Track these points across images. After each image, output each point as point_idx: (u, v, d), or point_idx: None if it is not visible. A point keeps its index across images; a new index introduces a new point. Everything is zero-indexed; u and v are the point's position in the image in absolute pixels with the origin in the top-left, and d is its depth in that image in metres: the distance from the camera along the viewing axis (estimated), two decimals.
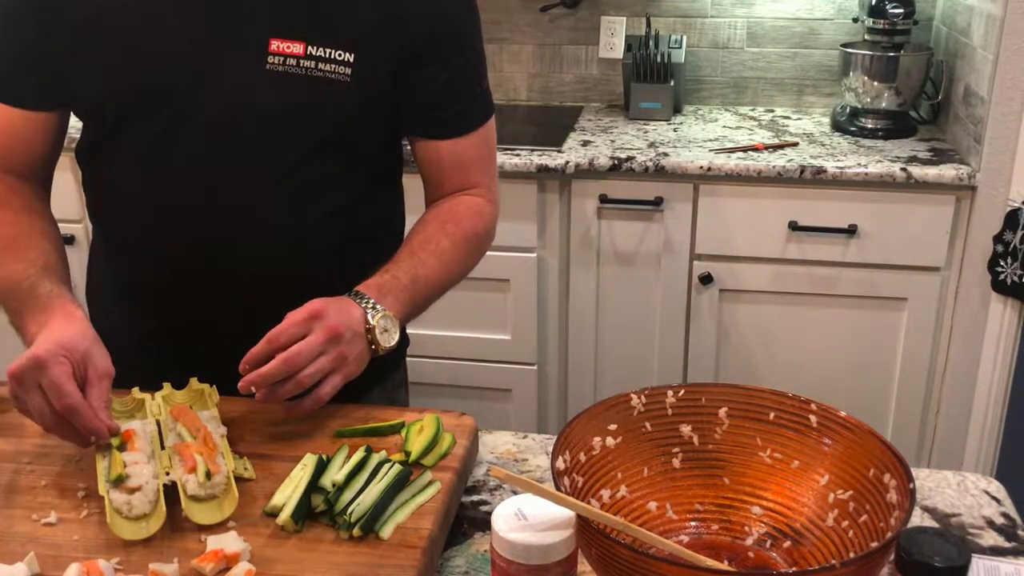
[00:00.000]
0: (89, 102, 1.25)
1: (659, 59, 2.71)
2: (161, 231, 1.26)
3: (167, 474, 1.03)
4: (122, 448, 1.06)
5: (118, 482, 1.00)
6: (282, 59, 1.19)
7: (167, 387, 1.19)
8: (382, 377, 1.42)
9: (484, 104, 1.35)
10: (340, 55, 1.19)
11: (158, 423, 1.12)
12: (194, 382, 1.19)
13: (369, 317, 1.16)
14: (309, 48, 1.19)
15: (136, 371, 1.24)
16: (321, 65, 1.19)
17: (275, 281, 1.25)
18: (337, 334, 1.11)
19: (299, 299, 1.14)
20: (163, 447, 1.08)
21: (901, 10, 2.50)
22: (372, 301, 1.18)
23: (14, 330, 1.16)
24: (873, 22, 2.53)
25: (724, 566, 0.94)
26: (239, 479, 1.05)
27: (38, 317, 1.12)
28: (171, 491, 1.01)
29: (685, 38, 2.78)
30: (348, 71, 1.20)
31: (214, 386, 1.18)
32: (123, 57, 1.20)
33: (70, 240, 2.54)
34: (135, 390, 1.18)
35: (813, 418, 0.99)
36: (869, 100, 2.56)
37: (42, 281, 1.16)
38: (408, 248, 1.27)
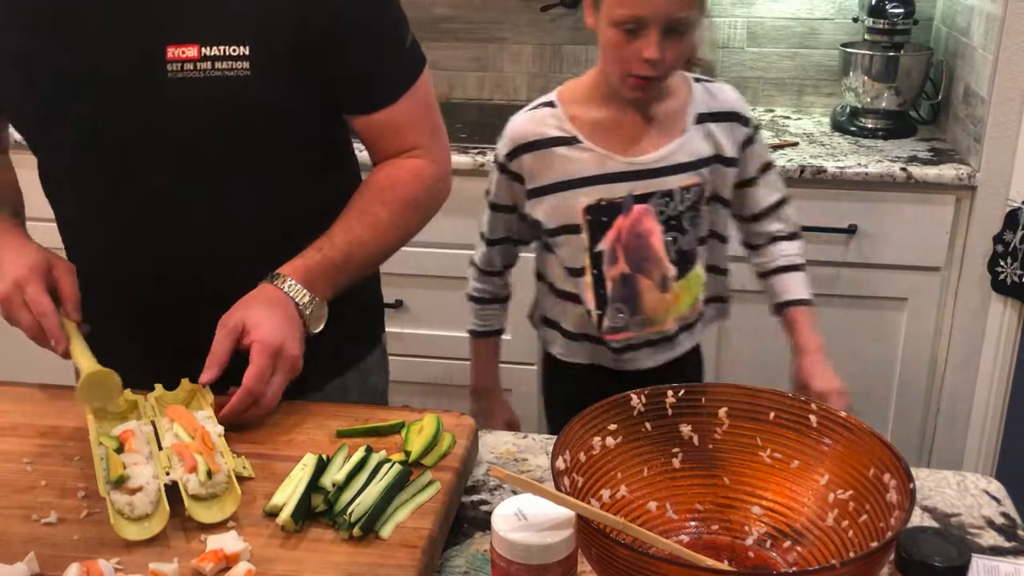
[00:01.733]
0: (15, 126, 1.33)
1: None
2: (99, 245, 1.30)
3: (167, 474, 1.03)
4: (120, 450, 1.06)
5: (119, 483, 1.00)
6: (179, 65, 1.18)
7: (159, 388, 1.19)
8: (357, 360, 1.44)
9: (408, 65, 1.30)
10: (235, 50, 1.18)
11: (153, 424, 1.12)
12: (186, 383, 1.19)
13: (302, 308, 1.20)
14: (203, 49, 1.18)
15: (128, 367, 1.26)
16: (217, 64, 1.18)
17: (228, 280, 1.24)
18: (279, 353, 1.16)
19: (250, 284, 1.21)
20: (160, 448, 1.08)
21: (901, 10, 2.50)
22: (304, 291, 1.20)
23: None
24: (873, 22, 2.53)
25: (724, 566, 0.94)
26: (238, 478, 1.05)
27: None
28: (172, 491, 1.01)
29: None
30: (246, 64, 1.18)
31: (207, 386, 1.18)
32: (28, 93, 1.24)
33: None
34: (127, 392, 1.18)
35: (813, 418, 0.99)
36: (869, 100, 2.56)
37: None
38: (344, 221, 1.27)
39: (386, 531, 0.98)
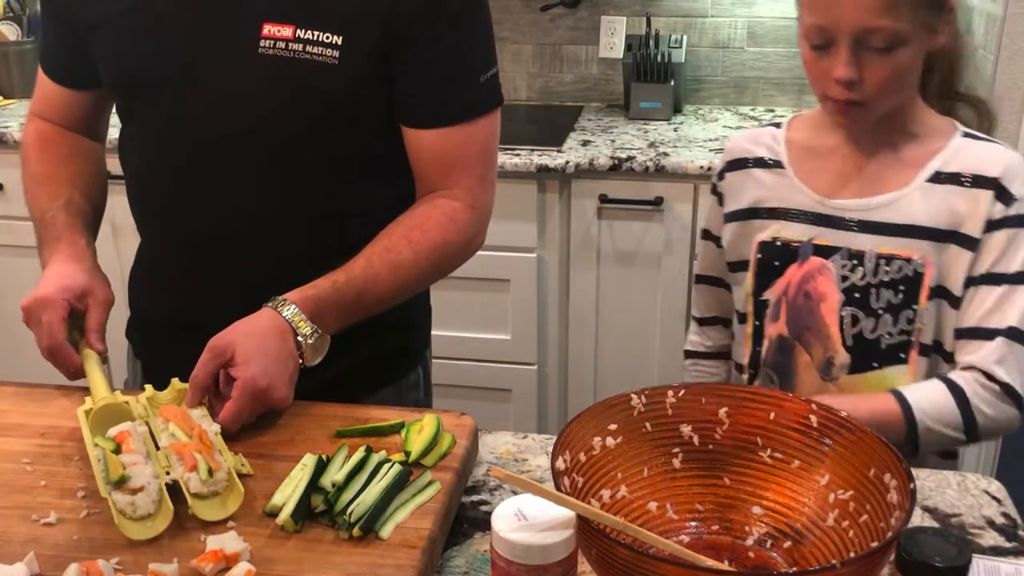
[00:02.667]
0: (105, 90, 1.37)
1: (659, 59, 2.71)
2: (165, 215, 1.33)
3: (168, 473, 1.03)
4: (117, 451, 1.05)
5: (120, 484, 1.00)
6: (272, 42, 1.20)
7: (149, 388, 1.19)
8: (397, 377, 1.44)
9: (478, 98, 1.27)
10: (328, 37, 1.20)
11: (147, 424, 1.12)
12: (176, 382, 1.19)
13: (301, 340, 1.17)
14: (298, 31, 1.20)
15: (163, 349, 1.34)
16: (309, 48, 1.20)
17: (273, 261, 1.28)
18: (263, 397, 1.14)
19: (300, 279, 1.21)
20: (157, 448, 1.08)
21: None
22: (307, 323, 1.18)
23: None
24: None
25: (724, 566, 0.94)
26: (237, 475, 1.05)
27: (51, 244, 1.30)
28: (174, 491, 1.01)
29: (685, 38, 2.78)
30: (336, 53, 1.20)
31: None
32: (126, 49, 1.27)
33: None
34: (117, 393, 1.18)
35: (813, 418, 0.99)
36: None
37: (60, 214, 1.32)
38: (367, 256, 1.24)
39: (386, 531, 0.98)
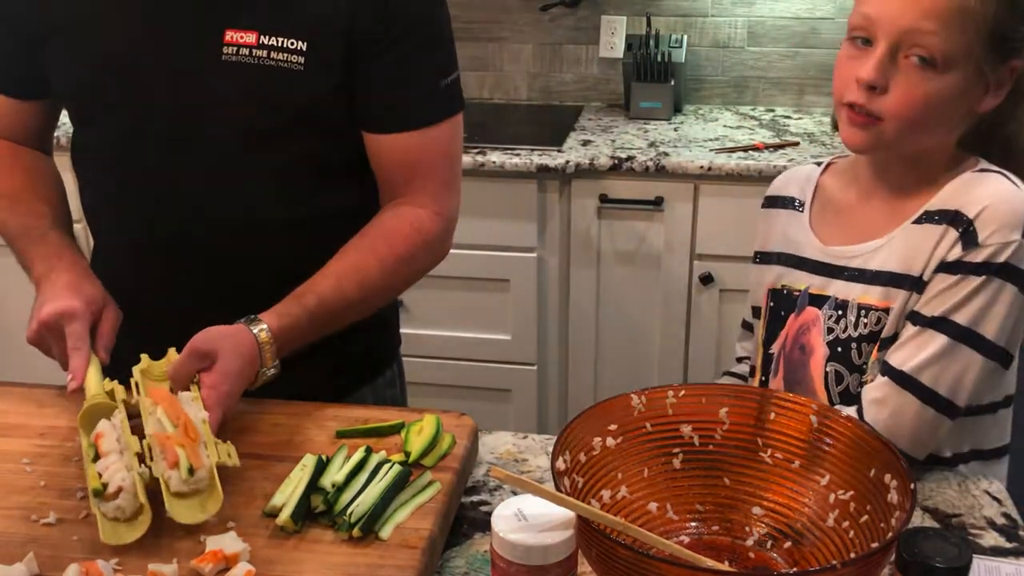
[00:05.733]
0: (61, 98, 1.34)
1: (659, 58, 2.71)
2: (126, 220, 1.31)
3: (141, 464, 1.01)
4: (98, 458, 1.04)
5: (98, 494, 0.99)
6: (235, 49, 1.20)
7: (145, 359, 1.17)
8: (373, 376, 1.43)
9: (441, 102, 1.26)
10: (292, 44, 1.19)
11: (125, 407, 1.10)
12: (172, 353, 1.17)
13: (261, 372, 1.16)
14: (261, 37, 1.19)
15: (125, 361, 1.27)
16: (273, 54, 1.19)
17: (236, 267, 1.27)
18: (228, 415, 1.13)
19: (263, 285, 1.21)
20: (143, 436, 1.05)
21: None
22: (272, 356, 1.16)
23: (22, 268, 1.31)
24: None
25: (724, 567, 0.94)
26: (223, 469, 1.03)
27: (48, 260, 1.26)
28: (158, 493, 0.99)
29: (686, 37, 2.78)
30: (301, 59, 1.20)
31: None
32: (85, 56, 1.25)
33: None
34: (107, 381, 1.16)
35: (814, 418, 0.99)
36: None
37: (52, 232, 1.30)
38: (336, 275, 1.23)
39: (386, 532, 0.98)
